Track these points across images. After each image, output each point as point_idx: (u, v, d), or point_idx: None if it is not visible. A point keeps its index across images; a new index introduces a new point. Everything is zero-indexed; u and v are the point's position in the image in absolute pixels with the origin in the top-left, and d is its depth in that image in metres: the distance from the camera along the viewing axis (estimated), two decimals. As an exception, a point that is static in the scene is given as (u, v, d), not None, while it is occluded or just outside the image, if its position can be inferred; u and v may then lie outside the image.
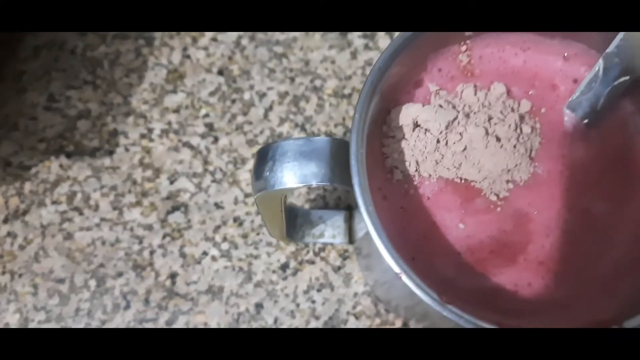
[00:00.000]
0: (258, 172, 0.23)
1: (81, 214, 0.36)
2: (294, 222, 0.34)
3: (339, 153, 0.23)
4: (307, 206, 0.36)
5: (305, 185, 0.23)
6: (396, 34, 0.24)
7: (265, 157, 0.23)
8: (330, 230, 0.34)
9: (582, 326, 0.21)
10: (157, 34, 0.39)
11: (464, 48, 0.25)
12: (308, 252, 0.35)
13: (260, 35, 0.39)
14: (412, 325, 0.34)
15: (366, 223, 0.21)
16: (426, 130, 0.24)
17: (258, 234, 0.35)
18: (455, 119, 0.24)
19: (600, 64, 0.23)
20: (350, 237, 0.34)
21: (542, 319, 0.22)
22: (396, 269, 0.21)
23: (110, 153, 0.37)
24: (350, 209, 0.35)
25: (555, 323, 0.22)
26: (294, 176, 0.23)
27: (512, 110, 0.25)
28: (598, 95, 0.24)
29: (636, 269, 0.23)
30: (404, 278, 0.21)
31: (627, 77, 0.23)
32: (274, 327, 0.34)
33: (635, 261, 0.24)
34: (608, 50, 0.23)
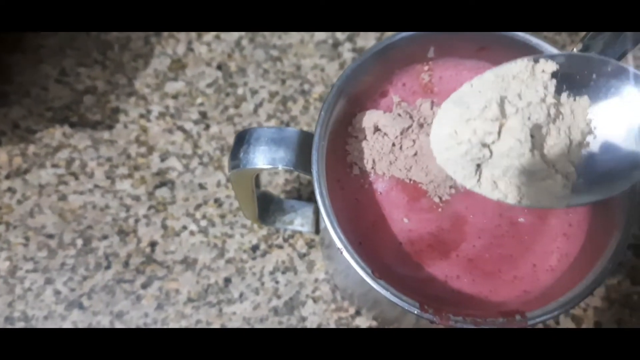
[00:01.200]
0: (234, 153, 0.27)
1: (77, 179, 0.39)
2: (267, 207, 0.37)
3: (305, 143, 0.26)
4: (282, 196, 0.40)
5: (273, 168, 0.26)
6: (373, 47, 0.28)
7: (242, 140, 0.27)
8: (299, 219, 0.38)
9: (492, 316, 0.25)
10: (166, 26, 0.43)
11: (426, 68, 0.29)
12: (278, 237, 0.39)
13: (259, 38, 0.43)
14: (364, 313, 0.37)
15: (318, 203, 0.24)
16: (384, 134, 0.28)
17: (235, 216, 0.39)
18: (410, 127, 0.27)
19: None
20: (317, 227, 0.38)
21: (460, 308, 0.26)
22: (339, 244, 0.24)
23: (110, 128, 0.41)
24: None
25: (470, 312, 0.26)
26: (264, 158, 0.26)
27: None
28: None
29: (548, 274, 0.27)
30: (344, 253, 0.24)
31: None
32: (238, 300, 0.37)
33: (549, 269, 0.27)
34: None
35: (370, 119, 0.28)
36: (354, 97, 0.28)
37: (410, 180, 0.28)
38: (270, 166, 0.26)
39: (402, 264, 0.27)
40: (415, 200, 0.28)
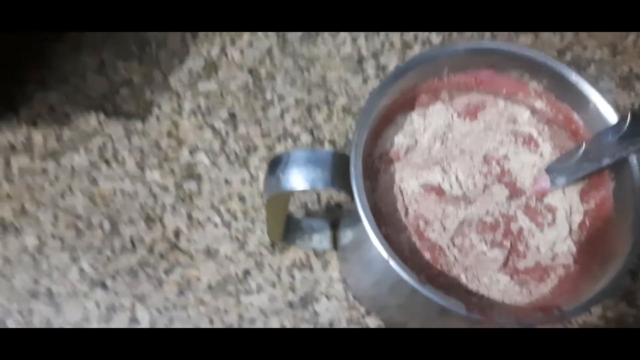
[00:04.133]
0: (271, 175, 0.29)
1: (109, 165, 0.41)
2: (288, 227, 0.39)
3: (339, 163, 0.28)
4: (300, 215, 0.42)
5: (311, 187, 0.28)
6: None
7: (278, 163, 0.29)
8: (317, 237, 0.39)
9: (530, 314, 0.27)
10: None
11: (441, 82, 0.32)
12: (296, 235, 0.41)
13: (289, 47, 0.46)
14: (373, 315, 0.39)
15: (362, 219, 0.26)
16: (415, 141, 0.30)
17: (257, 212, 0.41)
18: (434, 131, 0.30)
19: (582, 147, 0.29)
20: (335, 243, 0.40)
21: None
22: (385, 255, 0.26)
23: (143, 120, 0.42)
24: (336, 220, 0.40)
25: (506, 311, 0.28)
26: (303, 179, 0.28)
27: None
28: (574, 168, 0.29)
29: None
30: (391, 262, 0.26)
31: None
32: (256, 292, 0.39)
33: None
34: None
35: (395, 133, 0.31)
36: (383, 114, 0.30)
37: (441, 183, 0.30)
38: (309, 187, 0.28)
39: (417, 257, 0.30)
40: (444, 200, 0.30)
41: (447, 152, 0.31)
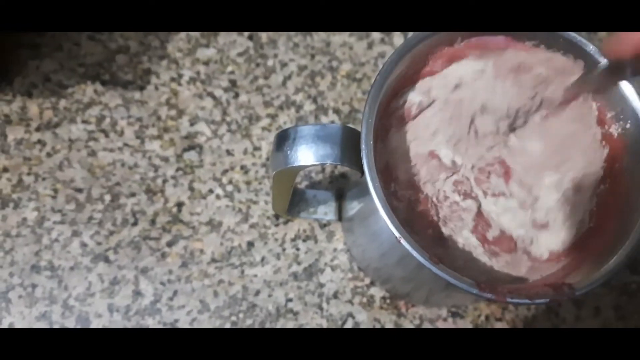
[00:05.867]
0: (278, 151, 0.28)
1: (107, 136, 0.40)
2: (292, 199, 0.38)
3: (348, 138, 0.28)
4: (303, 185, 0.41)
5: (320, 164, 0.27)
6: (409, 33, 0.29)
7: (285, 138, 0.28)
8: (322, 208, 0.39)
9: (541, 290, 0.27)
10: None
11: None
12: (300, 206, 0.40)
13: (291, 12, 0.44)
14: (377, 284, 0.39)
15: (373, 198, 0.26)
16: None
17: (260, 183, 0.40)
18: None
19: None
20: (340, 214, 0.39)
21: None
22: (397, 233, 0.25)
23: (141, 88, 0.41)
24: (340, 191, 0.40)
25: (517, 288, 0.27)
26: (312, 155, 0.27)
27: None
28: None
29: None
30: (402, 241, 0.25)
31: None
32: (260, 264, 0.38)
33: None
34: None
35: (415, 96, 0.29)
36: (394, 87, 0.29)
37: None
38: (318, 162, 0.27)
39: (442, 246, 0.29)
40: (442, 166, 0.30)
41: (456, 112, 0.30)
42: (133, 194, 0.39)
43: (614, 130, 0.29)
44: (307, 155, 0.28)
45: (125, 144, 0.40)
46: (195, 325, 0.37)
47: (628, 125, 0.29)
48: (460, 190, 0.30)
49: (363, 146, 0.27)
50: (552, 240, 0.29)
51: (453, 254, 0.29)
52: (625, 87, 0.28)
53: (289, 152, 0.28)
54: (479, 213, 0.30)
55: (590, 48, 0.29)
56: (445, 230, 0.30)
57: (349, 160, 0.28)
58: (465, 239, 0.30)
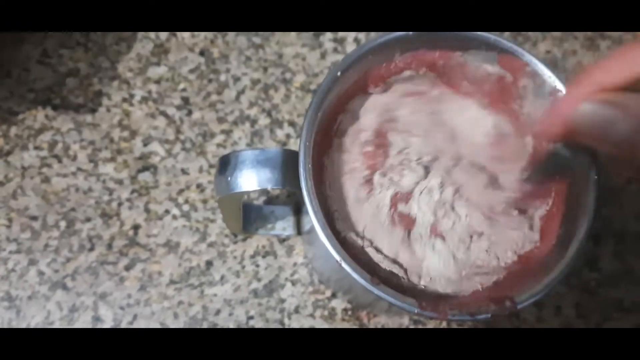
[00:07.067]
0: (221, 177, 0.28)
1: (60, 161, 0.40)
2: (248, 216, 0.38)
3: (289, 161, 0.28)
4: (261, 201, 0.41)
5: (262, 189, 0.28)
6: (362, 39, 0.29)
7: (226, 164, 0.28)
8: (280, 224, 0.39)
9: (484, 304, 0.27)
10: (149, 10, 0.43)
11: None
12: (258, 222, 0.40)
13: (242, 25, 0.44)
14: (339, 296, 0.39)
15: (312, 221, 0.26)
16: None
17: (216, 201, 0.40)
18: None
19: None
20: (299, 228, 0.39)
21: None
22: (337, 257, 0.26)
23: (93, 111, 0.41)
24: (298, 204, 0.40)
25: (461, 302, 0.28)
26: (254, 180, 0.27)
27: None
28: None
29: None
30: (343, 264, 0.26)
31: None
32: (219, 283, 0.38)
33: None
34: None
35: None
36: (335, 103, 0.29)
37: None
38: (259, 188, 0.27)
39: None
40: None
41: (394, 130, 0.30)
42: (88, 219, 0.39)
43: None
44: (248, 180, 0.28)
45: (79, 169, 0.40)
46: (156, 348, 0.37)
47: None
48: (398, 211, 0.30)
49: (301, 170, 0.27)
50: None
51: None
52: None
53: (229, 178, 0.28)
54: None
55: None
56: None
57: (290, 183, 0.28)
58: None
